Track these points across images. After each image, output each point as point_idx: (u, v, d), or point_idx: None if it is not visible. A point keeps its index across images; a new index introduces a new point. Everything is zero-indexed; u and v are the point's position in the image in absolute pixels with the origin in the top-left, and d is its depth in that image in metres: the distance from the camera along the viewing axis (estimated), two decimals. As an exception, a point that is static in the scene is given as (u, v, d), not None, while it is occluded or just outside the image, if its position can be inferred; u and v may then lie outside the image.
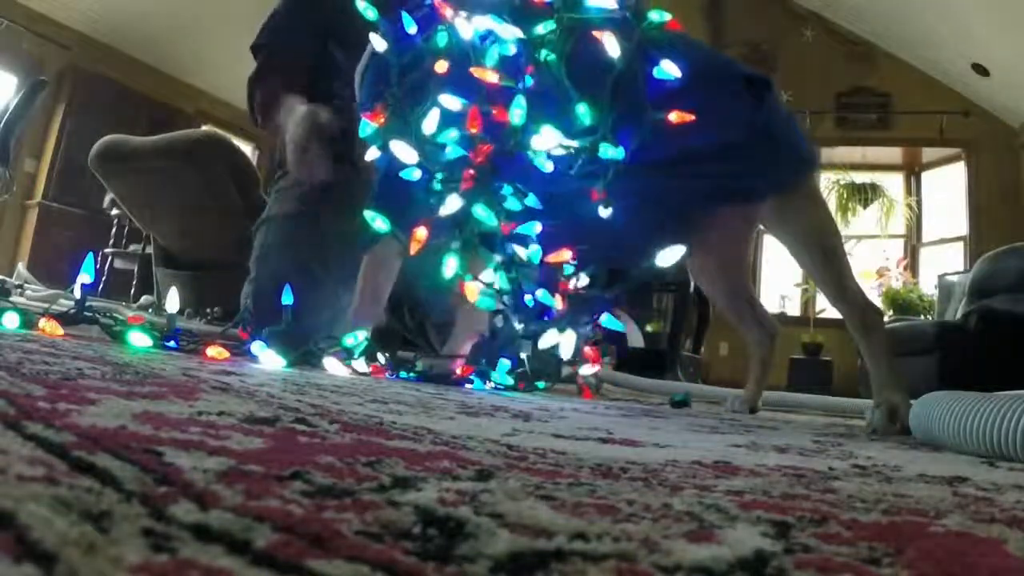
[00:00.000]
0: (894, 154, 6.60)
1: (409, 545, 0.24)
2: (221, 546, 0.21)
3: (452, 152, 1.33)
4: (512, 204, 1.33)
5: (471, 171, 1.32)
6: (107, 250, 5.00)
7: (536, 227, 1.33)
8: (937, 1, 5.21)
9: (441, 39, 1.36)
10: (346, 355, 1.35)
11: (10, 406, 0.40)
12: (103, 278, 4.78)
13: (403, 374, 1.42)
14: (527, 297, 1.38)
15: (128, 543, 0.21)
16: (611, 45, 1.27)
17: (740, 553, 0.26)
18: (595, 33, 1.28)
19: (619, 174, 1.26)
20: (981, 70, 5.52)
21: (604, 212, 1.26)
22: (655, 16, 1.31)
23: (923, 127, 6.03)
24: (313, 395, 0.78)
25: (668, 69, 1.26)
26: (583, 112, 1.26)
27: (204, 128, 5.50)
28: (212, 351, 1.26)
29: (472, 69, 1.31)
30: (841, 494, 0.43)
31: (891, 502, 0.41)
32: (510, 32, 1.31)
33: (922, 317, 5.43)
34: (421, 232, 1.34)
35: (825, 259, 1.35)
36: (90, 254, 1.42)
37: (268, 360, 1.29)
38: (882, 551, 0.28)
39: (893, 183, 6.48)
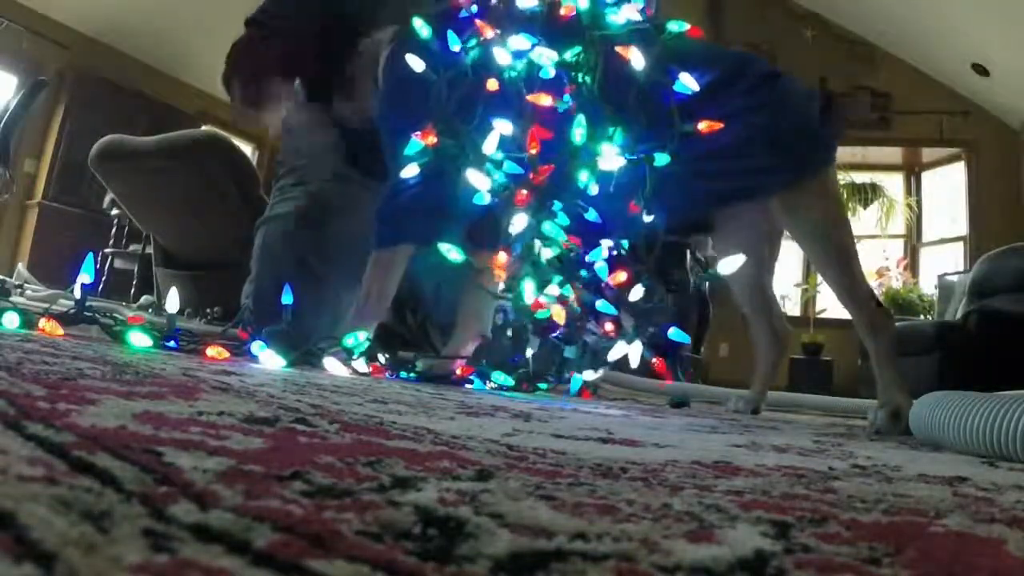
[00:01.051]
0: (894, 154, 6.59)
1: (409, 545, 0.24)
2: (221, 546, 0.21)
3: (507, 169, 1.37)
4: (562, 220, 1.37)
5: (523, 191, 1.35)
6: (107, 250, 5.00)
7: (604, 251, 1.37)
8: (937, 1, 5.21)
9: (486, 56, 1.39)
10: (346, 355, 1.35)
11: (10, 406, 0.40)
12: (103, 278, 4.78)
13: (403, 374, 1.42)
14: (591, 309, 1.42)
15: (128, 543, 0.20)
16: (636, 59, 1.30)
17: (740, 553, 0.26)
18: (622, 49, 1.31)
19: (654, 182, 1.29)
20: (981, 70, 5.51)
21: (648, 219, 1.30)
22: (674, 27, 1.34)
23: (923, 127, 6.03)
24: (313, 395, 0.78)
25: (686, 82, 1.29)
26: (616, 132, 1.30)
27: (204, 128, 5.49)
28: (212, 351, 1.26)
29: (529, 97, 1.35)
30: (841, 494, 0.43)
31: (891, 502, 0.41)
32: (548, 55, 1.34)
33: (922, 317, 5.44)
34: (502, 257, 1.38)
35: (835, 257, 1.34)
36: (90, 254, 1.42)
37: (268, 360, 1.29)
38: (882, 551, 0.28)
39: (893, 183, 6.48)
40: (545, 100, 1.34)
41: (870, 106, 6.16)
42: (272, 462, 0.35)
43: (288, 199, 1.82)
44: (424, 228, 1.42)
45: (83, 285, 1.36)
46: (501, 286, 1.44)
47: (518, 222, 1.36)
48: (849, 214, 6.02)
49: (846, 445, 0.85)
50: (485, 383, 1.41)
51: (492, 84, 1.37)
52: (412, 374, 1.42)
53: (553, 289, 1.40)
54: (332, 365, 1.32)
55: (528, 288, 1.39)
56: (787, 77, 1.39)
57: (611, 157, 1.30)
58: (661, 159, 1.29)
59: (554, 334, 1.45)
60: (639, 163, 1.30)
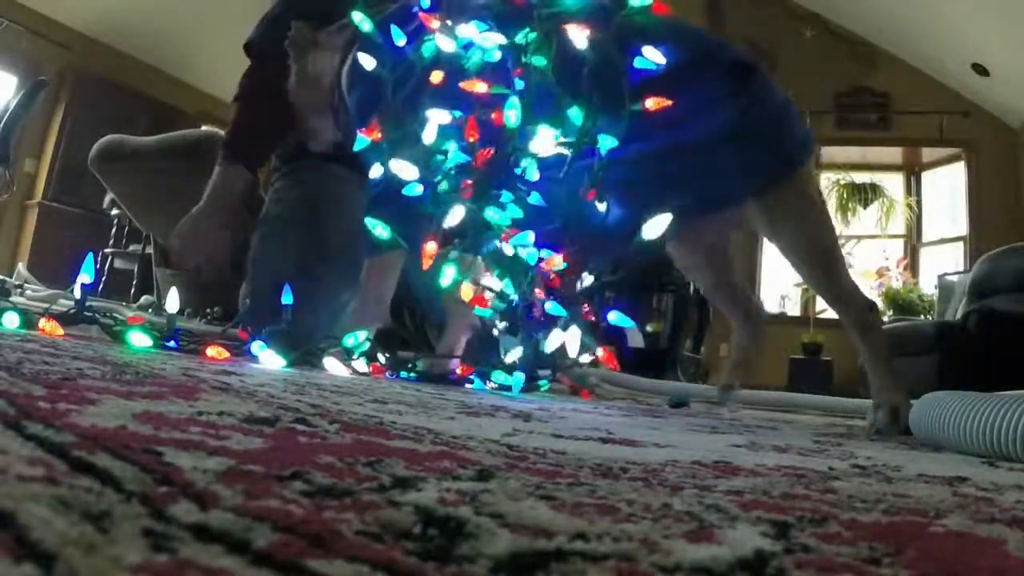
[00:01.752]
0: (894, 154, 6.60)
1: (409, 545, 0.24)
2: (221, 546, 0.21)
3: (452, 159, 1.34)
4: (513, 211, 1.34)
5: (469, 180, 1.33)
6: (107, 250, 5.00)
7: (530, 236, 1.34)
8: (937, 1, 5.21)
9: (428, 50, 1.37)
10: (346, 355, 1.35)
11: (10, 406, 0.40)
12: (103, 278, 4.78)
13: (403, 374, 1.42)
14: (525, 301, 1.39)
15: (128, 543, 0.20)
16: (579, 37, 1.25)
17: (740, 553, 0.26)
18: (569, 27, 1.25)
19: (605, 168, 1.24)
20: (981, 70, 5.51)
21: (601, 207, 1.26)
22: (635, 1, 1.26)
23: (923, 127, 6.03)
24: (313, 395, 0.78)
25: (650, 56, 1.22)
26: (575, 113, 1.26)
27: (204, 128, 5.49)
28: (212, 351, 1.26)
29: (462, 84, 1.32)
30: (841, 494, 0.43)
31: (891, 502, 0.41)
32: (493, 40, 1.31)
33: (922, 317, 5.43)
34: (431, 247, 1.36)
35: (819, 259, 1.28)
36: (90, 254, 1.42)
37: (268, 360, 1.29)
38: (882, 551, 0.28)
39: (893, 183, 6.47)
40: (480, 87, 1.31)
41: (870, 106, 6.16)
42: (272, 462, 0.35)
43: (285, 199, 1.82)
44: (395, 224, 1.39)
45: (83, 285, 1.36)
46: (489, 277, 1.41)
47: (456, 213, 1.33)
48: (849, 214, 6.06)
49: (846, 445, 0.85)
50: (485, 383, 1.41)
51: (436, 76, 1.34)
52: (412, 374, 1.42)
53: (494, 281, 1.38)
54: (332, 365, 1.32)
55: (449, 273, 1.37)
56: (762, 69, 1.31)
57: (546, 141, 1.26)
58: (605, 142, 1.23)
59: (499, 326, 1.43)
60: (583, 147, 1.25)
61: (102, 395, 0.50)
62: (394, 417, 0.66)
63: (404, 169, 1.35)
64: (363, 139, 1.39)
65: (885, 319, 5.61)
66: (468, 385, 1.40)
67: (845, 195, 6.16)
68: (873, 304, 1.33)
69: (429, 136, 1.33)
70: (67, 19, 6.03)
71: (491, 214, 1.32)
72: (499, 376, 1.39)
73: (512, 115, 1.28)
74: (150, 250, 3.48)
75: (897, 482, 0.51)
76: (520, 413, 0.88)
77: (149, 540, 0.21)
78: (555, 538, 0.26)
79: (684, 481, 0.44)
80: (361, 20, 1.42)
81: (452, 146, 1.34)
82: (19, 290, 2.90)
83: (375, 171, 1.39)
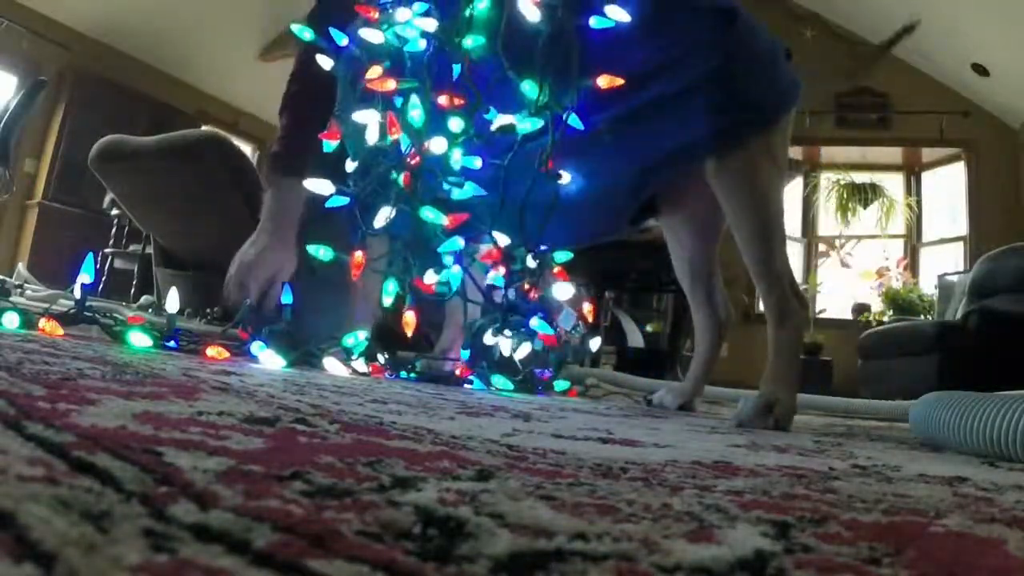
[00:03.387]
0: (894, 154, 6.60)
1: (409, 545, 0.24)
2: (221, 546, 0.21)
3: (387, 162, 1.34)
4: (463, 194, 1.32)
5: (408, 175, 1.31)
6: (107, 250, 5.00)
7: (459, 242, 1.33)
8: (937, 1, 5.21)
9: (372, 44, 1.35)
10: (346, 355, 1.35)
11: (10, 406, 0.40)
12: (103, 278, 4.78)
13: (403, 374, 1.42)
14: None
15: (128, 543, 0.20)
16: (527, 6, 1.21)
17: (740, 553, 0.26)
18: None
19: (564, 143, 1.21)
20: (981, 70, 5.51)
21: (565, 179, 1.24)
22: None
23: (923, 127, 6.03)
24: (313, 395, 0.78)
25: (612, 14, 1.18)
26: (530, 88, 1.22)
27: (204, 128, 5.49)
28: (212, 351, 1.26)
29: (368, 81, 1.30)
30: (841, 494, 0.43)
31: (891, 502, 0.41)
32: (424, 25, 1.29)
33: (922, 317, 5.43)
34: (359, 256, 1.36)
35: (761, 229, 1.20)
36: (90, 254, 1.42)
37: (268, 360, 1.29)
38: (882, 551, 0.28)
39: (893, 183, 6.48)
40: (389, 85, 1.30)
41: (870, 106, 6.16)
42: (272, 462, 0.35)
43: None
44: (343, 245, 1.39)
45: (83, 285, 1.36)
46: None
47: (381, 214, 1.32)
48: (849, 214, 6.06)
49: (846, 445, 0.85)
50: (486, 385, 1.41)
51: (374, 71, 1.32)
52: (412, 374, 1.42)
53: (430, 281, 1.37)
54: (332, 365, 1.32)
55: (390, 288, 1.38)
56: (747, 15, 1.22)
57: (455, 124, 1.26)
58: (534, 123, 1.21)
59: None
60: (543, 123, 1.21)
61: (102, 395, 0.50)
62: (394, 417, 0.66)
63: (316, 185, 1.36)
64: (327, 143, 1.39)
65: (885, 319, 5.62)
66: (467, 385, 1.40)
67: (845, 195, 6.17)
68: (802, 297, 1.25)
69: (372, 136, 1.33)
70: (67, 19, 6.03)
71: (428, 214, 1.32)
72: (499, 380, 1.39)
73: (416, 114, 1.28)
74: (150, 250, 3.48)
75: (897, 482, 0.51)
76: (520, 413, 0.88)
77: (149, 540, 0.21)
78: (555, 538, 0.26)
79: (684, 481, 0.44)
80: (300, 30, 1.42)
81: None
82: (19, 290, 2.90)
83: (315, 187, 1.38)
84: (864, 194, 6.17)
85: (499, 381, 1.38)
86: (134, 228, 4.33)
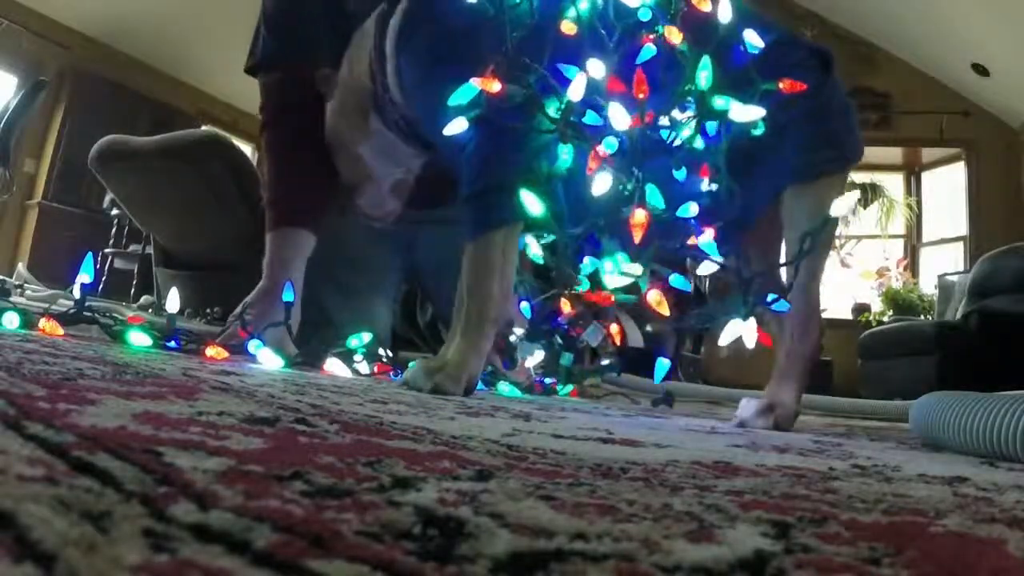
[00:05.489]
0: (894, 154, 6.60)
1: (409, 545, 0.24)
2: (221, 546, 0.21)
3: (587, 120, 1.14)
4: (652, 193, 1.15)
5: (602, 148, 1.13)
6: (107, 250, 5.00)
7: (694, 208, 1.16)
8: (937, 1, 5.21)
9: None
10: (348, 356, 1.35)
11: (10, 406, 0.40)
12: (103, 278, 4.78)
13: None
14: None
15: (128, 543, 0.20)
16: (724, 6, 1.16)
17: (740, 553, 0.26)
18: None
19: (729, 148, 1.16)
20: (981, 70, 5.52)
21: (711, 187, 1.16)
22: None
23: (923, 127, 6.03)
24: (313, 395, 0.78)
25: (751, 40, 1.16)
26: (706, 76, 1.13)
27: (204, 128, 5.49)
28: (212, 351, 1.26)
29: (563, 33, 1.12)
30: (841, 494, 0.43)
31: (891, 502, 0.41)
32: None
33: (922, 317, 5.44)
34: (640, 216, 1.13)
35: (822, 255, 1.25)
36: (90, 254, 1.41)
37: (268, 360, 1.29)
38: (882, 551, 0.28)
39: (893, 183, 6.48)
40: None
41: (870, 106, 6.16)
42: (272, 462, 0.35)
43: None
44: (512, 201, 1.15)
45: (83, 285, 1.35)
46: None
47: (600, 182, 1.12)
48: (849, 214, 6.06)
49: (846, 445, 0.85)
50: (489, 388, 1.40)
51: (568, 28, 1.13)
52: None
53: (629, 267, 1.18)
54: (332, 365, 1.32)
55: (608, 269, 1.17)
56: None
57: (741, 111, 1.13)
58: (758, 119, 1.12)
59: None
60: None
61: (102, 395, 0.50)
62: (394, 417, 0.66)
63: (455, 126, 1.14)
64: (470, 87, 1.13)
65: (885, 319, 5.62)
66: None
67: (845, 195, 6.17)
68: (821, 316, 1.27)
69: (576, 93, 1.11)
70: (67, 19, 6.04)
71: (649, 193, 1.13)
72: (504, 387, 1.37)
73: (704, 76, 1.13)
74: (150, 250, 3.48)
75: (897, 482, 0.51)
76: (520, 413, 0.88)
77: (149, 540, 0.21)
78: (555, 538, 0.26)
79: (684, 481, 0.44)
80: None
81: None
82: (19, 290, 2.90)
83: (458, 126, 1.15)
84: (864, 194, 6.17)
85: (506, 388, 1.36)
86: (134, 228, 4.34)
